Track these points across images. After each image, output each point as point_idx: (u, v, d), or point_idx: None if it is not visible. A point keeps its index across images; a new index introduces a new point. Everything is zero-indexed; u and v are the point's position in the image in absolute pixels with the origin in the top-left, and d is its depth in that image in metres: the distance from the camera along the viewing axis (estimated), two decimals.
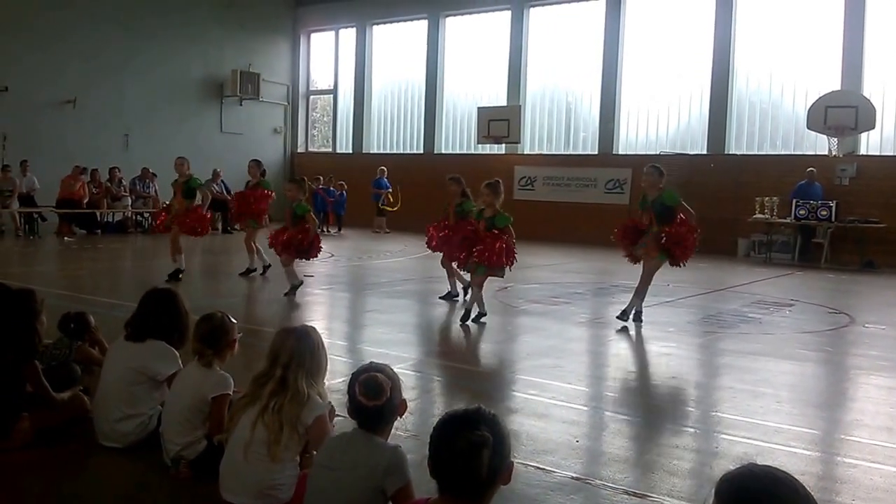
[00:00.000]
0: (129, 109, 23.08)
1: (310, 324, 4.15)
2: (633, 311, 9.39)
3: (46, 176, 19.86)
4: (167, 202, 13.69)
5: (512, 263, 9.11)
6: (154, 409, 4.66)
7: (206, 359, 4.40)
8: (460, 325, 9.10)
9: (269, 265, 12.85)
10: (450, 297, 10.91)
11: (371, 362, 3.48)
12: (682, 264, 9.50)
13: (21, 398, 4.68)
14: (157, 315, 4.82)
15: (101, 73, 22.31)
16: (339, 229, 23.45)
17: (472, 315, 9.21)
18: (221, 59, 25.69)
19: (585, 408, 6.15)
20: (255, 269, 12.92)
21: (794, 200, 17.21)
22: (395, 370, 3.45)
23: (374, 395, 3.22)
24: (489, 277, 9.22)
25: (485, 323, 9.19)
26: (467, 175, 11.74)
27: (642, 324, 9.40)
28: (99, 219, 20.91)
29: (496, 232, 8.99)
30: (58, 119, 21.52)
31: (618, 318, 9.34)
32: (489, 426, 2.57)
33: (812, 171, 17.60)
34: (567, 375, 7.03)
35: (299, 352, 3.77)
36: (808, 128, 17.92)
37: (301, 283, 11.06)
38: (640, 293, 9.42)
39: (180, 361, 4.71)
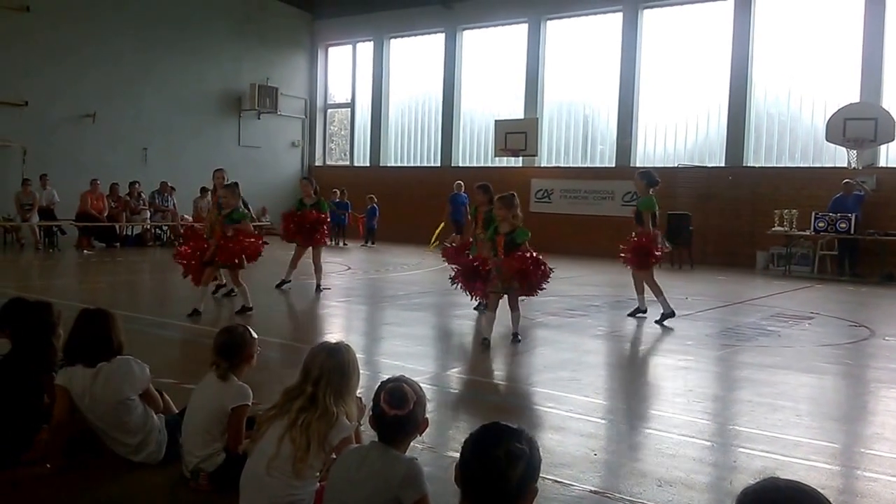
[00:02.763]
0: (148, 123, 23.27)
1: (330, 337, 4.14)
2: (664, 311, 10.32)
3: (66, 190, 20.01)
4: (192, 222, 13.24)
5: (531, 281, 8.52)
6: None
7: (221, 370, 4.40)
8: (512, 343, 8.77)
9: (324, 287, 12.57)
10: (637, 312, 10.79)
11: (401, 376, 3.48)
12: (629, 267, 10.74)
13: (41, 410, 4.69)
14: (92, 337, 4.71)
15: (120, 88, 22.51)
16: (372, 242, 23.40)
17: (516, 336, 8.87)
18: (239, 73, 25.86)
19: (603, 421, 6.12)
20: (325, 287, 12.60)
21: (814, 213, 17.09)
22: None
23: (397, 403, 3.23)
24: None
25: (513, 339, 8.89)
26: None
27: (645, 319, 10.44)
28: (118, 232, 21.03)
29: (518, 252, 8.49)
30: (77, 133, 21.72)
31: (656, 322, 10.33)
32: (528, 444, 2.57)
33: (848, 182, 17.34)
34: (584, 388, 6.99)
35: (329, 369, 3.72)
36: (827, 140, 17.86)
37: (251, 308, 10.36)
38: (659, 292, 10.38)
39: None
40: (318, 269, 12.71)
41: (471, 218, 11.94)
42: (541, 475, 4.46)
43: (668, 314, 10.30)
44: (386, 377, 3.51)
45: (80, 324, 4.72)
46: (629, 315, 10.80)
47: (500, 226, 8.66)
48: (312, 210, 12.59)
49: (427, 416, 3.44)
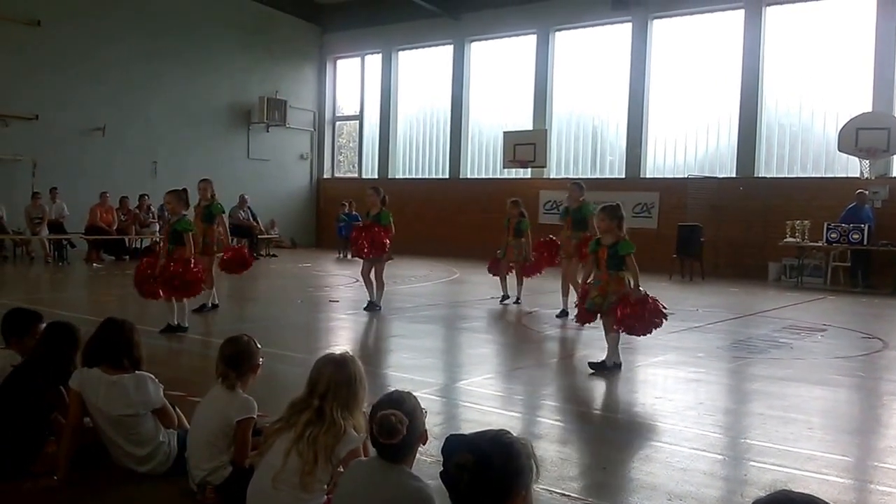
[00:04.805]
0: (157, 137, 23.31)
1: (340, 350, 4.10)
2: (561, 310, 11.52)
3: (75, 203, 20.06)
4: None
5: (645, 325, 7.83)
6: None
7: (230, 381, 4.38)
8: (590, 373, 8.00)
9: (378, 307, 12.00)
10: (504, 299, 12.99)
11: (394, 392, 3.42)
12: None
13: (49, 423, 4.72)
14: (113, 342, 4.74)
15: (130, 102, 22.56)
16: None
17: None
18: (248, 86, 25.93)
19: (613, 433, 6.07)
20: (378, 305, 12.01)
21: (826, 224, 16.97)
22: (421, 395, 3.41)
23: (387, 435, 3.17)
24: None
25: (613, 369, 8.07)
26: (494, 199, 12.25)
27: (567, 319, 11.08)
28: (127, 245, 21.05)
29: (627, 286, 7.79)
30: (86, 147, 21.76)
31: (557, 316, 11.49)
32: (478, 453, 2.55)
33: (862, 192, 17.15)
34: (593, 400, 6.95)
35: (336, 382, 3.70)
36: (840, 150, 17.73)
37: (187, 328, 9.76)
38: (566, 292, 11.61)
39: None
40: (379, 286, 12.06)
41: (505, 227, 13.18)
42: (549, 489, 4.49)
43: (566, 314, 11.40)
44: (392, 389, 3.46)
45: (105, 329, 4.79)
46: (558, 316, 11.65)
47: (602, 237, 8.06)
48: (371, 222, 11.96)
49: (427, 427, 3.38)
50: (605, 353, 8.02)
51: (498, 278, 13.27)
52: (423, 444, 3.41)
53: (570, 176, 22.97)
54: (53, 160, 20.71)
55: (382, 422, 3.18)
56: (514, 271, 13.21)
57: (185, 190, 10.35)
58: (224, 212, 12.17)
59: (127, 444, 4.58)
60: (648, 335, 8.02)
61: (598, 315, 8.07)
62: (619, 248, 7.83)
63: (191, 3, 24.20)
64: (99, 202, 20.24)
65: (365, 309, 11.94)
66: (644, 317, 7.74)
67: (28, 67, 20.46)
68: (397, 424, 3.15)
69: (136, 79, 22.62)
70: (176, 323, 9.70)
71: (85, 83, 21.48)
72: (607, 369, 7.91)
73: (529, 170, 22.97)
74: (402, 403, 3.26)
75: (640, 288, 7.81)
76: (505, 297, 13.10)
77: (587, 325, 8.55)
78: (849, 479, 5.10)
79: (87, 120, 21.78)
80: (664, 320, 7.90)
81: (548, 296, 12.59)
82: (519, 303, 13.00)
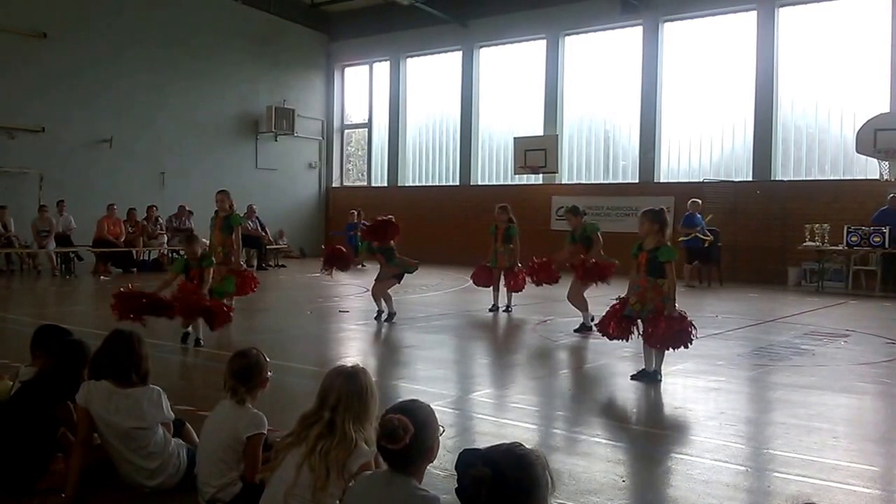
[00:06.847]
0: (165, 148, 23.35)
1: (350, 361, 3.98)
2: (584, 325, 10.90)
3: (83, 215, 20.05)
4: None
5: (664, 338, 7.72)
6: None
7: (239, 396, 4.35)
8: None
9: (394, 312, 11.94)
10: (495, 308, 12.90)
11: (411, 400, 3.38)
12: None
13: (56, 439, 4.69)
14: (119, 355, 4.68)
15: (137, 113, 22.62)
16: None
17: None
18: (256, 96, 25.96)
19: (631, 445, 5.94)
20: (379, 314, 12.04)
21: (846, 227, 16.72)
22: (435, 407, 3.31)
23: (387, 439, 3.10)
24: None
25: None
26: None
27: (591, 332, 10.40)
28: (135, 257, 20.96)
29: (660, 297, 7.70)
30: (94, 158, 21.79)
31: (575, 331, 10.92)
32: (495, 465, 2.54)
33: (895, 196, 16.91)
34: (611, 412, 6.86)
35: (347, 394, 3.65)
36: (858, 151, 17.50)
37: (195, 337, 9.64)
38: (584, 307, 11.07)
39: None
40: (388, 298, 12.03)
41: (492, 235, 13.04)
42: (567, 503, 4.33)
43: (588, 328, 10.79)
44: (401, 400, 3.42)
45: (112, 342, 4.73)
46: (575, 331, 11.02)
47: (644, 242, 7.87)
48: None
49: (440, 442, 3.32)
50: (653, 363, 7.91)
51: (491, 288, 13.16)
52: (430, 462, 3.32)
53: (583, 181, 22.89)
54: (60, 173, 20.75)
55: (385, 424, 3.15)
56: (503, 278, 13.02)
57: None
58: (241, 223, 12.14)
59: (137, 458, 4.53)
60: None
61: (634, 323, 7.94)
62: (660, 253, 7.70)
63: (197, 14, 24.23)
64: (106, 214, 20.20)
65: (375, 319, 11.89)
66: (671, 337, 7.65)
67: (34, 80, 20.50)
68: (399, 430, 3.09)
69: (142, 90, 22.68)
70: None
71: (92, 95, 21.52)
72: (650, 378, 7.81)
73: (541, 175, 22.85)
74: (414, 413, 3.20)
75: (676, 304, 7.68)
76: (494, 306, 13.03)
77: (626, 339, 8.18)
78: (876, 490, 5.00)
79: (94, 132, 21.82)
80: (690, 343, 7.77)
81: (562, 304, 12.40)
82: (509, 311, 12.94)
